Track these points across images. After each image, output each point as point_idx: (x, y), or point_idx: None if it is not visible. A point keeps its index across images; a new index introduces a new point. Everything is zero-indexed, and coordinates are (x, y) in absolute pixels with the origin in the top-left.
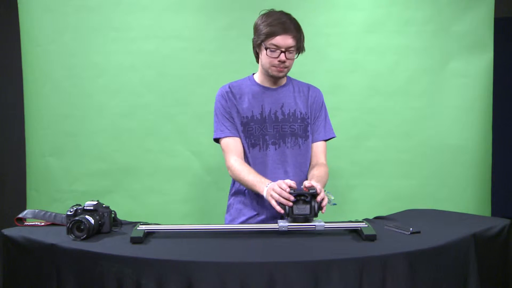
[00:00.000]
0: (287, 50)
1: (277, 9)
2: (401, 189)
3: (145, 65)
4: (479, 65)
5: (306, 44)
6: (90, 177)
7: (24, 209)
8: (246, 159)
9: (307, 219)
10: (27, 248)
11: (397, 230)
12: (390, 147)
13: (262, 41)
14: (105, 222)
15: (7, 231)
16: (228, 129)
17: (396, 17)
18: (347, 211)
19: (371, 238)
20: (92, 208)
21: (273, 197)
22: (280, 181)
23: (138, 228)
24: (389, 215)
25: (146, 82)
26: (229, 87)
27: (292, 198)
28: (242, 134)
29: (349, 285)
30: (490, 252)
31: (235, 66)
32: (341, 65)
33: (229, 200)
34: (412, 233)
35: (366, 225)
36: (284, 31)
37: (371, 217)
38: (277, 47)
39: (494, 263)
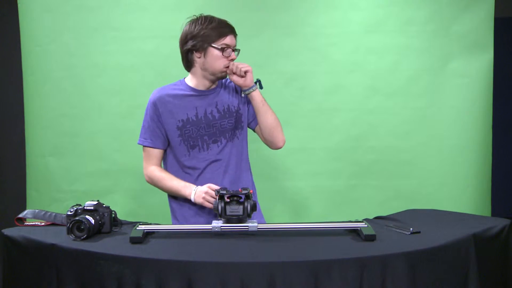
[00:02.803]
0: (234, 49)
1: (278, 9)
2: (401, 189)
3: (145, 65)
4: (479, 65)
5: (306, 44)
6: (90, 177)
7: (24, 209)
8: (184, 161)
9: (240, 219)
10: (27, 248)
11: (397, 230)
12: (390, 147)
13: (211, 43)
14: (105, 222)
15: (7, 231)
16: (151, 140)
17: (396, 17)
18: (347, 211)
19: (371, 238)
20: (92, 208)
21: (209, 202)
22: (210, 185)
23: (137, 228)
24: (389, 215)
25: (146, 82)
26: (161, 95)
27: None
28: (179, 139)
29: (349, 285)
30: (490, 252)
31: None
32: (341, 65)
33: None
34: (412, 233)
35: (366, 225)
36: (232, 31)
37: (371, 217)
38: (228, 46)
39: (494, 263)
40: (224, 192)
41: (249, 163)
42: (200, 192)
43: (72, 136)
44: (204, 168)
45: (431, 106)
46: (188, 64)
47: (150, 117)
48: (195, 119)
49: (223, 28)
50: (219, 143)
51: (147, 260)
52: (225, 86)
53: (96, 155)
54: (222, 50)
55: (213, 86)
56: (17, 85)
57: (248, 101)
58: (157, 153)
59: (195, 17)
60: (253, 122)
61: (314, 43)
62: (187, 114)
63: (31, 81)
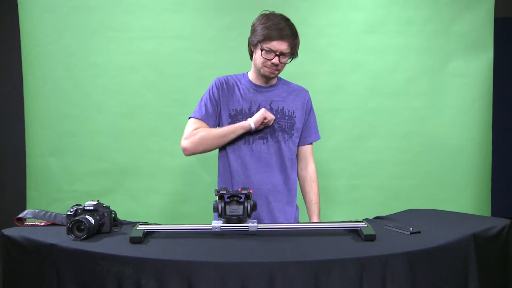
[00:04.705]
0: (281, 54)
1: (278, 9)
2: (401, 189)
3: (145, 65)
4: (479, 65)
5: (307, 44)
6: (90, 177)
7: (24, 209)
8: (230, 151)
9: (240, 219)
10: (27, 248)
11: (397, 230)
12: (390, 147)
13: (259, 41)
14: (105, 222)
15: (7, 231)
16: (203, 113)
17: (396, 17)
18: (347, 211)
19: (371, 238)
20: (92, 208)
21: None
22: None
23: (137, 228)
24: (389, 215)
25: (146, 82)
26: (225, 79)
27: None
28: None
29: (349, 285)
30: (490, 252)
31: (235, 66)
32: (342, 65)
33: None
34: (412, 233)
35: (366, 225)
36: (281, 37)
37: (371, 217)
38: (272, 50)
39: (494, 263)
40: (224, 192)
41: (292, 173)
42: (259, 119)
43: (72, 136)
44: (244, 162)
45: (431, 106)
46: (250, 55)
47: (210, 95)
48: (248, 112)
49: (272, 31)
50: (264, 140)
51: (147, 260)
52: (288, 90)
53: (96, 155)
54: (263, 51)
55: (272, 83)
56: (17, 85)
57: (307, 114)
58: (204, 126)
59: (268, 11)
60: (299, 140)
61: (314, 43)
62: (242, 105)
63: (31, 81)
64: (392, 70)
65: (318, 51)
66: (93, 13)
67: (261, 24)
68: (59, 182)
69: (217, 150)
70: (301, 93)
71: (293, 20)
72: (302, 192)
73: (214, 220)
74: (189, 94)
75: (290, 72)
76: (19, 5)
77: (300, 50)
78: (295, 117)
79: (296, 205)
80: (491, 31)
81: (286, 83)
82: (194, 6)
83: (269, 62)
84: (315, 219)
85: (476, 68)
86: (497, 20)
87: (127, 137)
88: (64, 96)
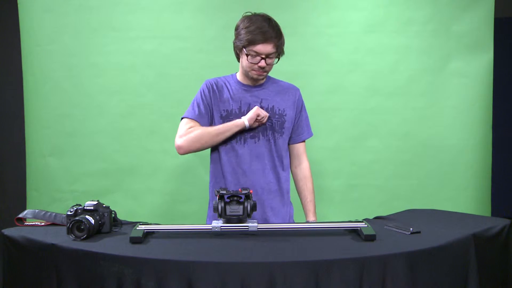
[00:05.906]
0: (267, 56)
1: (278, 9)
2: (401, 189)
3: (145, 65)
4: (479, 65)
5: (306, 44)
6: (90, 177)
7: (24, 209)
8: (223, 152)
9: (240, 219)
10: (27, 248)
11: (397, 230)
12: (390, 147)
13: (244, 46)
14: (105, 222)
15: (7, 231)
16: (196, 113)
17: (396, 17)
18: (347, 211)
19: (371, 238)
20: (92, 208)
21: (263, 117)
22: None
23: (137, 228)
24: (389, 215)
25: (146, 82)
26: (215, 81)
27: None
28: None
29: (349, 285)
30: (490, 252)
31: (235, 66)
32: (341, 65)
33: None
34: (412, 233)
35: (366, 225)
36: (265, 40)
37: (371, 217)
38: (258, 53)
39: (494, 263)
40: (224, 192)
41: (284, 171)
42: (251, 118)
43: (72, 136)
44: (236, 162)
45: (431, 106)
46: (236, 57)
47: (202, 96)
48: (238, 112)
49: (255, 35)
50: (256, 139)
51: (147, 260)
52: (278, 88)
53: (96, 155)
54: (249, 55)
55: (261, 82)
56: (17, 85)
57: (298, 112)
58: (197, 125)
59: (250, 13)
60: (292, 139)
61: (314, 43)
62: (232, 105)
63: (31, 81)
64: (392, 70)
65: (318, 51)
66: (93, 13)
67: (244, 28)
68: (59, 182)
69: (209, 151)
70: (291, 91)
71: (292, 19)
72: (297, 190)
73: (207, 219)
74: (189, 94)
75: (289, 71)
76: (19, 5)
77: (299, 50)
78: (285, 115)
79: (290, 202)
80: (491, 31)
81: (275, 81)
82: (194, 6)
83: (256, 66)
84: (311, 216)
85: (476, 68)
86: (497, 20)
87: (127, 137)
88: (64, 96)
